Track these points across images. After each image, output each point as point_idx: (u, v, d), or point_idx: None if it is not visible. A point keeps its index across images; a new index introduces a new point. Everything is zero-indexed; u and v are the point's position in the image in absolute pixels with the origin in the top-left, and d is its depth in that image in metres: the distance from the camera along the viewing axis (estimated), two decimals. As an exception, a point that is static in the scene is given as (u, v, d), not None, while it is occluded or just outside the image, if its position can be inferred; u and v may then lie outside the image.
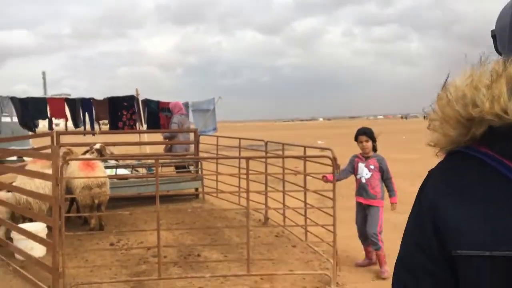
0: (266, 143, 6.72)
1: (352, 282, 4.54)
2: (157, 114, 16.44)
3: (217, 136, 8.28)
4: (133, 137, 17.11)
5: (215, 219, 7.08)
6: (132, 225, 6.77)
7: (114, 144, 9.66)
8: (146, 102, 16.28)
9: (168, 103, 16.65)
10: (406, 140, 26.74)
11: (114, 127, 15.82)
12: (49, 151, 6.30)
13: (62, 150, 6.57)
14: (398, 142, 25.06)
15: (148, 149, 15.53)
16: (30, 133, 13.42)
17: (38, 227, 5.40)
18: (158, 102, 16.59)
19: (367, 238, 4.80)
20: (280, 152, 7.20)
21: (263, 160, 6.44)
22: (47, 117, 14.55)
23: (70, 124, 15.18)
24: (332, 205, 4.37)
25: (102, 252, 5.46)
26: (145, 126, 16.95)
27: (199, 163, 8.58)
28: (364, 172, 4.80)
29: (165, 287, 4.34)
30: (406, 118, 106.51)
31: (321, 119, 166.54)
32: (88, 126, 15.62)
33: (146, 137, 16.22)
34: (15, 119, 14.80)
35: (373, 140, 4.90)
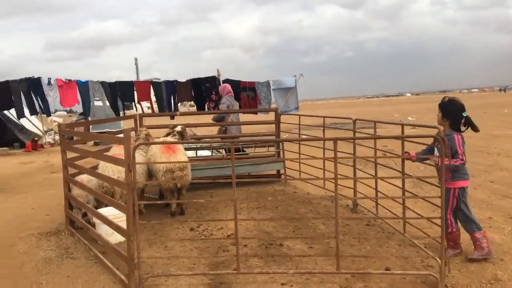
0: (354, 121, 6.02)
1: (464, 284, 3.80)
2: (238, 94, 16.27)
3: (299, 115, 7.72)
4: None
5: (298, 204, 6.59)
6: (213, 209, 6.52)
7: (196, 125, 9.52)
8: (227, 83, 16.19)
9: (249, 82, 16.42)
10: (509, 114, 24.01)
11: (200, 107, 15.97)
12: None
13: (143, 131, 6.47)
14: (499, 116, 22.55)
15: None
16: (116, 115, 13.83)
17: (118, 212, 5.32)
18: (239, 82, 16.36)
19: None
20: (369, 131, 6.48)
21: (351, 140, 5.79)
22: (134, 100, 15.06)
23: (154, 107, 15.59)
24: (440, 194, 3.64)
25: (182, 237, 5.25)
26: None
27: (281, 144, 8.10)
28: (436, 153, 4.18)
29: (245, 282, 3.95)
30: (504, 90, 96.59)
31: (408, 95, 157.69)
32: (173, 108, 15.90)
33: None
34: (107, 103, 15.49)
35: (447, 114, 4.25)
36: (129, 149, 3.66)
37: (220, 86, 9.63)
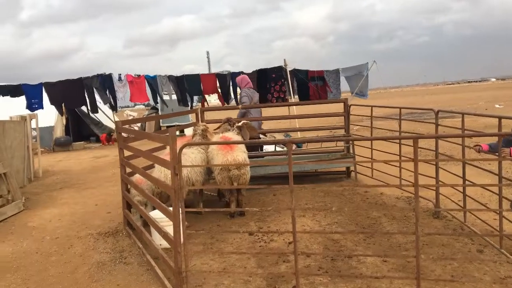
0: (436, 113, 5.21)
1: None
2: (306, 84, 15.63)
3: (371, 106, 6.97)
4: (280, 110, 16.65)
5: (370, 207, 5.91)
6: (275, 210, 6.05)
7: (257, 119, 9.07)
8: (295, 73, 15.58)
9: (317, 71, 15.70)
10: None
11: (263, 100, 15.55)
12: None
13: (200, 127, 6.15)
14: None
15: (297, 123, 14.87)
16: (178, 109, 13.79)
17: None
18: (306, 72, 15.72)
19: None
20: (453, 121, 5.62)
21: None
22: (201, 93, 15.00)
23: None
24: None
25: (239, 243, 4.84)
26: (296, 98, 16.39)
27: (350, 138, 7.41)
28: None
29: (306, 302, 3.44)
30: None
31: (493, 80, 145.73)
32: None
33: (294, 110, 15.59)
34: (174, 96, 15.61)
35: None
36: (174, 150, 3.27)
37: (237, 78, 8.84)
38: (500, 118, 3.87)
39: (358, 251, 4.37)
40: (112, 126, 20.76)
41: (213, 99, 18.77)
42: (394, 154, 6.27)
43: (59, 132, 16.51)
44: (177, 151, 3.27)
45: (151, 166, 5.61)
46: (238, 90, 15.25)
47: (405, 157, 6.08)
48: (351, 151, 7.47)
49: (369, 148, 7.05)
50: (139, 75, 14.19)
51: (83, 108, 17.66)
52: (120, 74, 13.91)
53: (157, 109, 14.76)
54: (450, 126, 5.06)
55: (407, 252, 4.25)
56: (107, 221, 6.05)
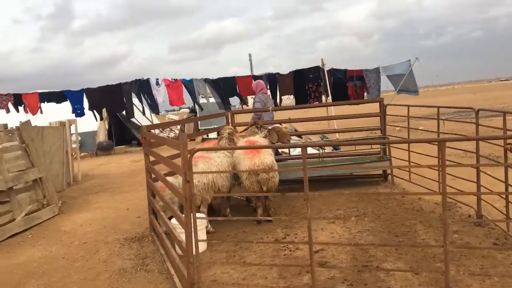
0: (477, 112, 4.79)
1: None
2: (345, 84, 15.20)
3: (408, 106, 6.58)
4: (317, 111, 16.28)
5: (406, 213, 5.56)
6: (305, 216, 5.81)
7: (291, 121, 8.83)
8: (332, 72, 15.20)
9: (356, 71, 15.23)
10: None
11: (300, 101, 15.28)
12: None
13: (226, 130, 6.02)
14: None
15: (335, 124, 14.48)
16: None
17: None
18: (345, 71, 15.28)
19: None
20: (498, 122, 5.16)
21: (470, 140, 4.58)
22: (236, 94, 14.94)
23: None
24: None
25: (264, 251, 4.66)
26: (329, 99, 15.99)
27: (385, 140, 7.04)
28: None
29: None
30: None
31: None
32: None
33: (333, 111, 15.20)
34: (211, 99, 15.64)
35: None
36: (185, 156, 3.14)
37: (253, 83, 8.76)
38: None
39: (388, 262, 4.07)
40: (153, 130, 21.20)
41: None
42: (432, 156, 5.86)
43: (101, 137, 16.99)
44: (188, 157, 3.13)
45: (173, 172, 5.55)
46: (250, 98, 14.99)
47: (449, 161, 5.68)
48: (388, 153, 7.10)
49: (406, 150, 6.66)
50: (176, 79, 14.33)
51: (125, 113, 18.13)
52: (158, 79, 14.10)
53: (195, 112, 14.84)
54: (491, 126, 4.63)
55: (441, 264, 3.90)
56: (135, 226, 6.05)
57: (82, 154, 16.25)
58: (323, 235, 4.96)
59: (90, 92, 13.77)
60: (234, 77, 14.64)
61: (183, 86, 14.32)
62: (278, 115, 16.79)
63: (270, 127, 6.21)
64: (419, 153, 6.30)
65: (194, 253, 3.20)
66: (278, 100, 15.18)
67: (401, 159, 6.95)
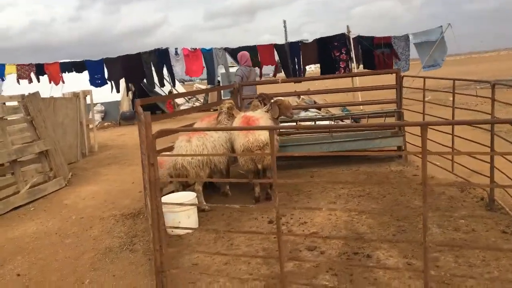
0: (493, 86, 4.30)
1: None
2: (372, 52, 14.47)
3: (424, 77, 6.07)
4: (341, 81, 15.66)
5: (414, 194, 5.19)
6: (306, 194, 5.55)
7: (303, 93, 8.45)
8: (359, 40, 14.47)
9: (384, 37, 14.43)
10: None
11: (326, 70, 14.70)
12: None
13: (226, 104, 5.76)
14: None
15: (360, 96, 13.85)
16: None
17: (186, 197, 4.76)
18: (372, 39, 14.52)
19: None
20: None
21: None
22: (258, 65, 14.51)
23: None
24: None
25: (253, 234, 4.45)
26: (361, 67, 15.30)
27: (402, 114, 6.59)
28: None
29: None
30: None
31: None
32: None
33: (357, 81, 14.56)
34: (231, 69, 15.30)
35: None
36: (148, 137, 2.92)
37: (238, 54, 8.57)
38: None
39: (382, 250, 3.78)
40: (179, 100, 21.13)
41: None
42: (448, 133, 5.41)
43: (125, 107, 17.05)
44: (151, 138, 2.91)
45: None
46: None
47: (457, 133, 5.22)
48: (402, 129, 6.65)
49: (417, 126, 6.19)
50: (195, 49, 14.05)
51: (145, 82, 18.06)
52: (177, 48, 13.87)
53: (212, 83, 14.62)
54: (508, 103, 4.14)
55: (439, 254, 3.58)
56: (135, 201, 5.97)
57: (106, 123, 16.42)
58: (320, 217, 4.70)
59: (109, 62, 13.75)
60: (255, 46, 14.20)
61: (202, 56, 14.05)
62: (300, 86, 16.31)
63: (272, 101, 5.89)
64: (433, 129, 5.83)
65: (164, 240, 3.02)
66: (301, 70, 14.70)
67: (417, 135, 6.49)
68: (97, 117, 16.09)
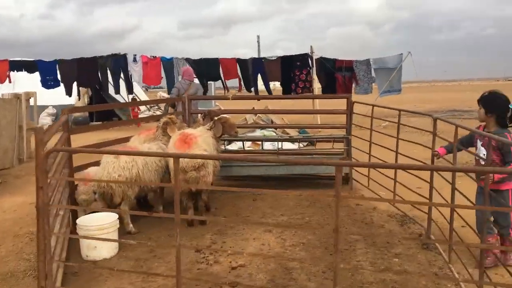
0: (434, 121, 4.18)
1: None
2: (333, 75, 14.47)
3: (373, 105, 5.95)
4: (303, 103, 15.56)
5: (354, 225, 4.99)
6: (244, 220, 5.26)
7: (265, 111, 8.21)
8: (321, 61, 14.46)
9: (346, 61, 14.47)
10: None
11: (287, 89, 14.58)
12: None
13: (164, 119, 5.43)
14: None
15: (319, 119, 13.76)
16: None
17: (110, 221, 4.34)
18: (334, 61, 14.53)
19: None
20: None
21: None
22: (220, 78, 14.24)
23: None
24: None
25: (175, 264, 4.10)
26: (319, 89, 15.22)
27: (349, 140, 6.43)
28: (482, 152, 3.70)
29: None
30: None
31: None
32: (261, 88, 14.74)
33: (317, 103, 14.51)
34: (196, 80, 14.93)
35: (494, 110, 3.74)
36: (39, 155, 2.55)
37: (182, 68, 8.75)
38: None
39: (311, 277, 3.51)
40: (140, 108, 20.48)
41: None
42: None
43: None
44: (42, 156, 2.54)
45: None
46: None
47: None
48: (349, 154, 6.50)
49: (367, 153, 6.05)
50: (155, 57, 13.65)
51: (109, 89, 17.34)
52: (135, 55, 13.42)
53: (169, 92, 14.25)
54: (445, 139, 4.00)
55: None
56: (60, 217, 5.48)
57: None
58: (252, 247, 4.41)
59: (63, 63, 13.12)
60: (217, 58, 13.92)
61: (162, 65, 13.66)
62: (260, 103, 16.11)
63: (216, 118, 5.60)
64: (379, 159, 5.69)
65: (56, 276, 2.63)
66: (265, 87, 14.49)
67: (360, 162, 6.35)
68: (48, 120, 15.33)
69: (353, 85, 14.07)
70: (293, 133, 10.35)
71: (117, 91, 13.64)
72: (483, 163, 3.57)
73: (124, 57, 13.29)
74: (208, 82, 14.63)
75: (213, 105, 18.15)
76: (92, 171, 5.11)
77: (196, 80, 12.29)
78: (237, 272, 3.84)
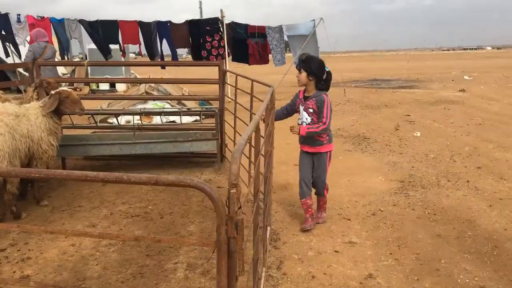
0: (272, 92, 3.53)
1: None
2: (245, 41, 13.69)
3: (237, 74, 5.24)
4: (209, 70, 14.75)
5: (198, 214, 4.35)
6: (73, 210, 4.46)
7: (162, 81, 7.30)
8: (232, 27, 13.60)
9: (258, 27, 13.69)
10: None
11: (197, 56, 13.64)
12: None
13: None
14: None
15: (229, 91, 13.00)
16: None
17: None
18: (246, 26, 13.65)
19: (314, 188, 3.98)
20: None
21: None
22: (118, 42, 13.03)
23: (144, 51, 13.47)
24: None
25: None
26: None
27: (219, 115, 5.73)
28: (304, 116, 3.80)
29: None
30: None
31: (488, 48, 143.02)
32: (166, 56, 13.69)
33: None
34: (92, 45, 13.60)
35: (314, 73, 3.74)
36: None
37: (32, 30, 7.76)
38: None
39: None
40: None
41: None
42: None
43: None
44: None
45: None
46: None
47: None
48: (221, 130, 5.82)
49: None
50: (43, 17, 12.14)
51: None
52: (19, 15, 11.85)
53: (62, 56, 12.81)
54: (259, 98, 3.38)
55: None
56: None
57: None
58: (57, 249, 3.62)
59: None
60: (116, 20, 12.62)
61: (52, 27, 12.19)
62: (165, 72, 15.08)
63: (53, 92, 4.64)
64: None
65: None
66: (175, 53, 13.47)
67: (232, 139, 5.70)
68: None
69: (270, 56, 13.44)
70: (192, 105, 9.55)
71: (7, 55, 12.16)
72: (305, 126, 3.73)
73: (6, 16, 11.68)
74: (113, 47, 13.35)
75: (123, 72, 16.78)
76: None
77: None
78: (28, 280, 3.05)
